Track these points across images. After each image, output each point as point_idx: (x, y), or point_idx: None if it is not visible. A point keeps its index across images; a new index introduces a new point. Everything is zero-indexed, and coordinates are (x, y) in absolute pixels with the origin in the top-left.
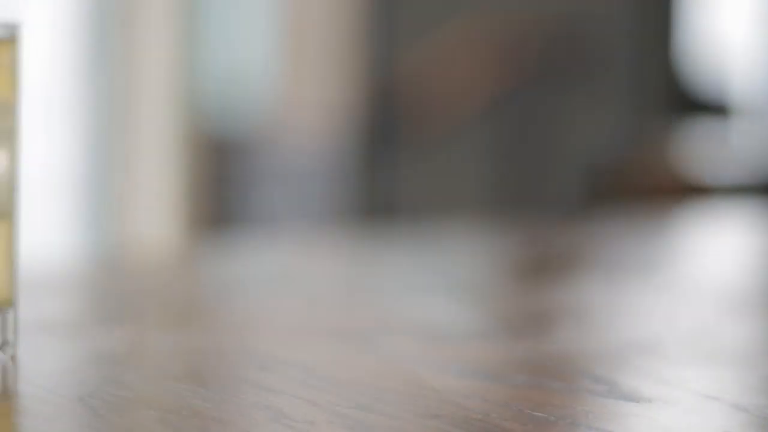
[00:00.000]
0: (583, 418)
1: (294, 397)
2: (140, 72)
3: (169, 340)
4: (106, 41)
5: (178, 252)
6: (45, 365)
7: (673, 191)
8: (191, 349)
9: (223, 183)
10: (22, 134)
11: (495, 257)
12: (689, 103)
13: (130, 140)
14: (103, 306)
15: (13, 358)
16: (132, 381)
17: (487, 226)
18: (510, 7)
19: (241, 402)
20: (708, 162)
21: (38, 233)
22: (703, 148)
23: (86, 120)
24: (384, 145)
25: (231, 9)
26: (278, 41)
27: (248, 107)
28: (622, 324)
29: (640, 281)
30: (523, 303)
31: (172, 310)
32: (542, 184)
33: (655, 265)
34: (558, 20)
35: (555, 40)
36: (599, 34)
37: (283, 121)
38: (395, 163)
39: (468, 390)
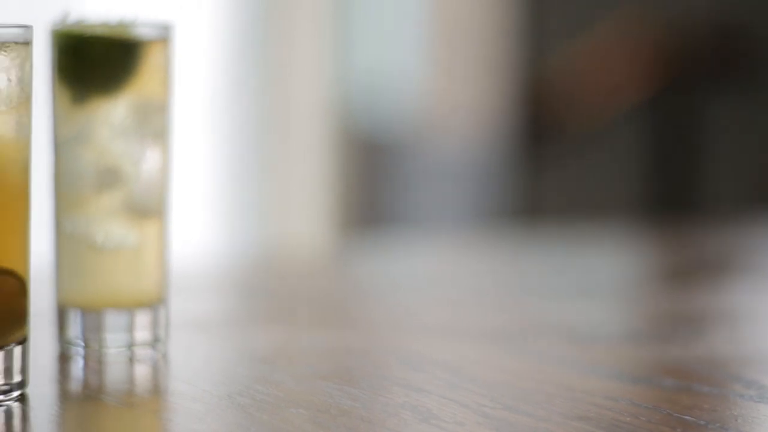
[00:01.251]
0: (732, 422)
1: (442, 397)
2: (291, 72)
3: (318, 339)
4: (257, 42)
5: (329, 252)
6: (195, 363)
7: None
8: (340, 349)
9: (373, 184)
10: (174, 134)
11: (644, 259)
12: None
13: (281, 140)
14: (253, 305)
15: (164, 355)
16: (281, 380)
17: (636, 227)
18: (662, 6)
19: (390, 402)
20: None
21: (189, 233)
22: None
23: (237, 120)
24: (533, 145)
25: (381, 9)
26: (428, 41)
27: (398, 108)
28: None
29: None
30: (672, 306)
31: (322, 310)
32: (695, 185)
33: None
34: (712, 18)
35: (709, 38)
36: (755, 32)
37: (432, 122)
38: (544, 164)
39: (616, 392)
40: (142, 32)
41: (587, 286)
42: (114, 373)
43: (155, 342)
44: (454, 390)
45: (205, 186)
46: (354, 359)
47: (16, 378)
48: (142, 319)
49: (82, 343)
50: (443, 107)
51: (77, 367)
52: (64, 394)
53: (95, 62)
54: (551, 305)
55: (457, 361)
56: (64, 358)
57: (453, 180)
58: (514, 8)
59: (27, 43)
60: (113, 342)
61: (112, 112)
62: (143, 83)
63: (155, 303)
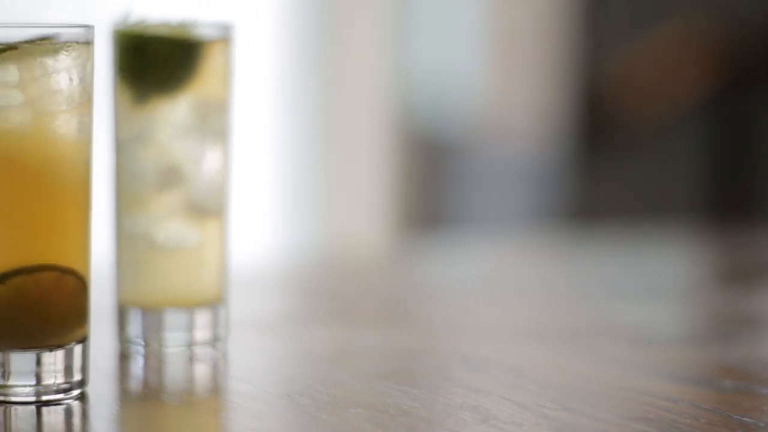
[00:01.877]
0: None
1: (501, 398)
2: (352, 72)
3: (378, 339)
4: (318, 42)
5: (389, 252)
6: (255, 362)
7: None
8: (400, 349)
9: (433, 184)
10: (234, 133)
11: (703, 261)
12: None
13: (341, 140)
14: (313, 305)
15: (224, 354)
16: (341, 380)
17: (694, 229)
18: (721, 7)
19: (449, 402)
20: None
21: (250, 232)
22: None
23: (298, 120)
24: (591, 146)
25: (441, 9)
26: (487, 41)
27: (457, 108)
28: None
29: None
30: (731, 308)
31: (382, 310)
32: (753, 187)
33: None
34: None
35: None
36: None
37: (491, 122)
38: (601, 165)
39: (675, 394)
40: (202, 32)
41: (647, 288)
42: (173, 372)
43: (215, 341)
44: (513, 391)
45: (265, 185)
46: (413, 359)
47: (76, 376)
48: (202, 318)
49: (142, 342)
50: (502, 107)
51: (137, 366)
52: (124, 393)
53: (156, 62)
54: (610, 307)
55: (517, 362)
56: (123, 357)
57: (512, 180)
58: (573, 8)
59: (88, 43)
60: (173, 341)
61: (173, 112)
62: (204, 83)
63: (215, 302)
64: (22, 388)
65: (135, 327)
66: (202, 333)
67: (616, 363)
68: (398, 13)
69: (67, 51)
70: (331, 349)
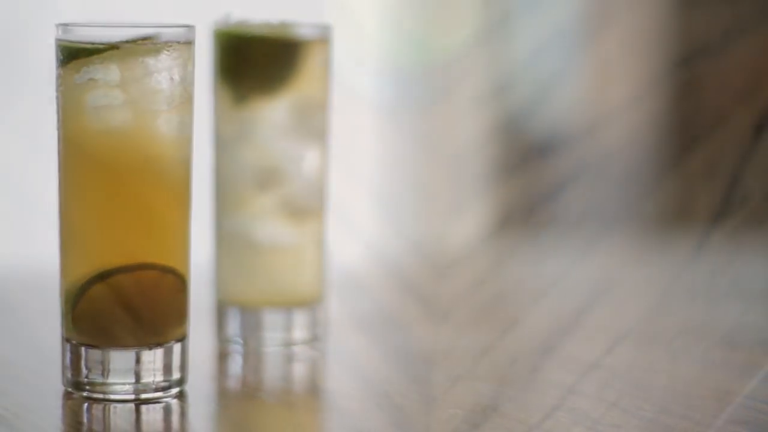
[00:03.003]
0: None
1: (600, 399)
2: (451, 70)
3: (476, 340)
4: (412, 41)
5: (487, 253)
6: (352, 362)
7: None
8: (497, 350)
9: (533, 183)
10: (332, 134)
11: None
12: None
13: (440, 139)
14: (411, 304)
15: (322, 354)
16: (439, 380)
17: None
18: None
19: (546, 404)
20: None
21: (349, 232)
22: None
23: (393, 119)
24: (689, 147)
25: (541, 6)
26: (587, 39)
27: (557, 107)
28: None
29: None
30: None
31: (480, 311)
32: None
33: None
34: None
35: None
36: None
37: (591, 122)
38: (698, 166)
39: None
40: (302, 32)
41: (747, 289)
42: (272, 371)
43: (313, 340)
44: (611, 392)
45: (364, 184)
46: (511, 360)
47: (175, 375)
48: (300, 317)
49: (241, 341)
50: (602, 107)
51: (235, 364)
52: (222, 392)
53: (257, 62)
54: (710, 309)
55: (616, 364)
56: (222, 356)
57: (611, 181)
58: (673, 5)
59: (189, 43)
60: (272, 340)
61: (273, 112)
62: (304, 83)
63: (313, 301)
64: (121, 386)
65: (234, 326)
66: (300, 332)
67: (716, 365)
68: (498, 9)
69: (168, 51)
70: (429, 349)
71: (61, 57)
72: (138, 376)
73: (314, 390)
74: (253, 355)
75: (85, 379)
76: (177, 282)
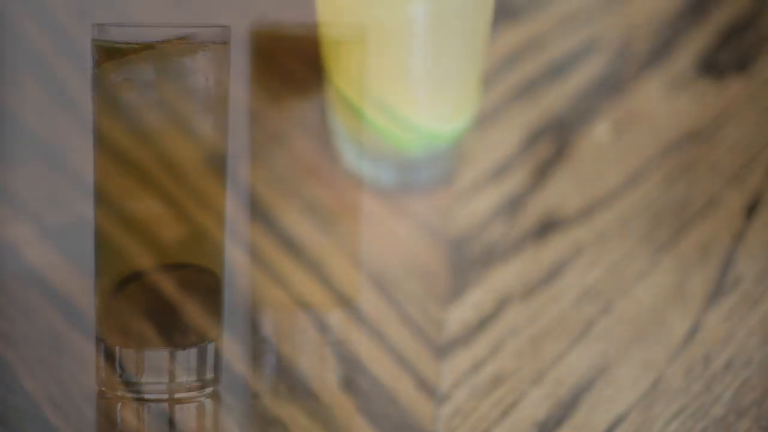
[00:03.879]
0: None
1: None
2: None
3: None
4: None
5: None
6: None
7: None
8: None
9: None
10: (365, 135)
11: None
12: None
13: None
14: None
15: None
16: None
17: None
18: None
19: None
20: None
21: (380, 233)
22: None
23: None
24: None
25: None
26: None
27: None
28: None
29: None
30: None
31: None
32: None
33: None
34: None
35: None
36: None
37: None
38: None
39: None
40: (338, 33)
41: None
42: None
43: (347, 342)
44: None
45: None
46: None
47: (209, 375)
48: (334, 319)
49: (275, 342)
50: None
51: (269, 365)
52: (255, 393)
53: (292, 63)
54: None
55: None
56: (256, 357)
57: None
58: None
59: (225, 43)
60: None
61: (309, 113)
62: (339, 84)
63: (347, 304)
64: (155, 385)
65: (268, 327)
66: (331, 333)
67: None
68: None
69: (203, 51)
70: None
71: (97, 57)
72: (172, 376)
73: (347, 390)
74: (286, 357)
75: (119, 379)
76: (212, 282)
